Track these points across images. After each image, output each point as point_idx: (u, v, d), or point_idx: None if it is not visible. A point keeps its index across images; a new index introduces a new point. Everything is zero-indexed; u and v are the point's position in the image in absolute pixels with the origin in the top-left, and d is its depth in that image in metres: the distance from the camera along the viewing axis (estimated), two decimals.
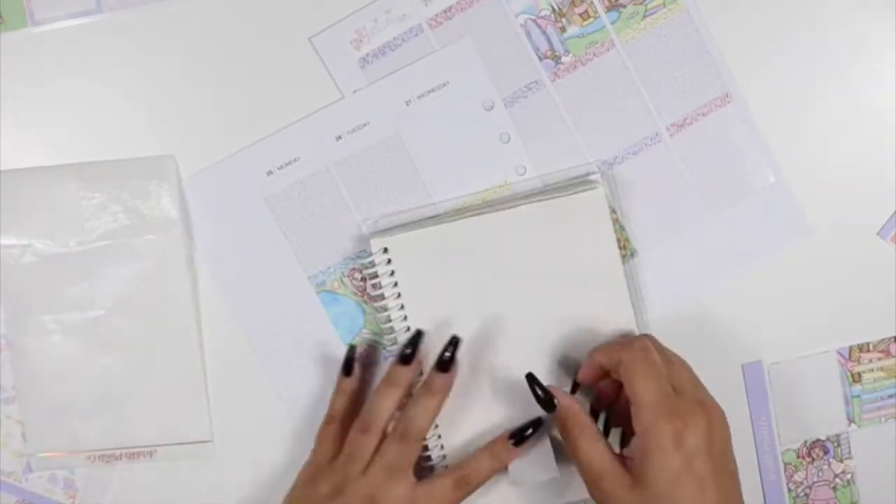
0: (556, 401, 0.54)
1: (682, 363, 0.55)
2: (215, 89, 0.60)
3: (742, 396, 0.61)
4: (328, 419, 0.59)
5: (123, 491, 0.62)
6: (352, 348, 0.60)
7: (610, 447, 0.53)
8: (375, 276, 0.59)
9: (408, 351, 0.56)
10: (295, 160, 0.60)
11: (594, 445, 0.52)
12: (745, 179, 0.60)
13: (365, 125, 0.60)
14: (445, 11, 0.59)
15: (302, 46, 0.59)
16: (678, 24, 0.59)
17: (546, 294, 0.59)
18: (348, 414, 0.58)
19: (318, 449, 0.58)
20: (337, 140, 0.60)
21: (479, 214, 0.59)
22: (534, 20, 0.59)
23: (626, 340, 0.55)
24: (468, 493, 0.56)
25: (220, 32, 0.60)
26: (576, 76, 0.60)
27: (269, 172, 0.61)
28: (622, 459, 0.52)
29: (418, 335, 0.57)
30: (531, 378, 0.55)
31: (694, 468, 0.49)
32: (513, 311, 0.59)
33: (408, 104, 0.60)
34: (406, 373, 0.57)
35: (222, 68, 0.60)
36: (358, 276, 0.61)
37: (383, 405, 0.56)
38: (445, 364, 0.56)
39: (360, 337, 0.61)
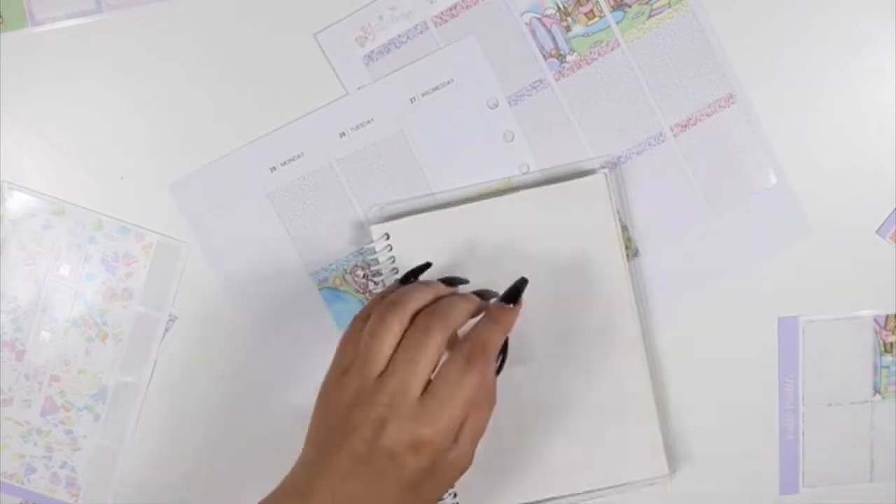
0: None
1: None
2: (218, 87, 0.59)
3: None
4: (358, 321, 0.53)
5: (126, 490, 0.63)
6: (427, 265, 0.57)
7: None
8: (377, 262, 0.59)
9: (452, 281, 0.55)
10: (298, 156, 0.60)
11: None
12: (748, 180, 0.60)
13: (369, 122, 0.60)
14: (451, 9, 0.59)
15: (306, 43, 0.59)
16: (683, 24, 0.59)
17: (546, 279, 0.59)
18: None
19: (346, 348, 0.52)
20: (341, 137, 0.60)
21: (480, 200, 0.59)
22: (539, 19, 0.59)
23: None
24: (485, 368, 0.50)
25: (222, 31, 0.59)
26: (580, 75, 0.59)
27: (273, 168, 0.60)
28: None
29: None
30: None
31: None
32: None
33: (412, 101, 0.60)
34: (442, 288, 0.54)
35: (224, 66, 0.59)
36: (360, 272, 0.61)
37: (416, 300, 0.51)
38: (513, 297, 0.53)
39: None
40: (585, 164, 0.60)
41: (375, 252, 0.59)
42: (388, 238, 0.59)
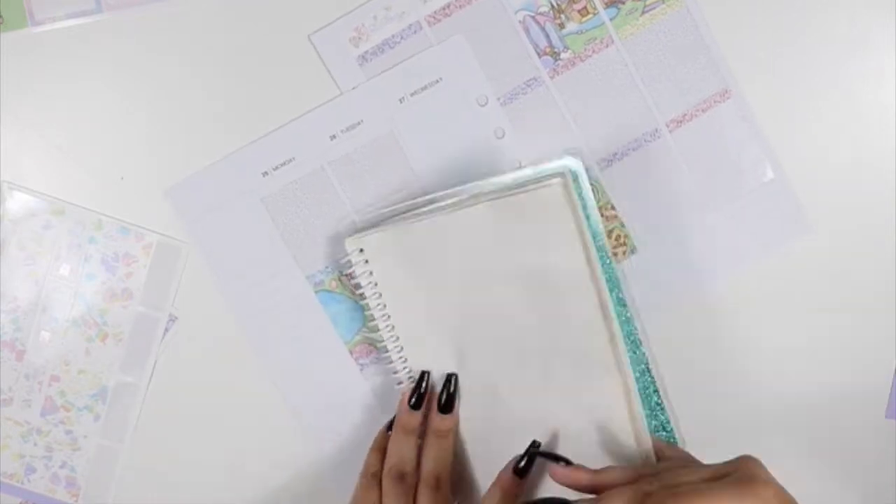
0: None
1: (688, 469, 0.50)
2: (215, 89, 0.60)
3: None
4: (367, 479, 0.58)
5: (126, 490, 0.63)
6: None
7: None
8: (353, 276, 0.58)
9: (415, 400, 0.57)
10: (290, 160, 0.60)
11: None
12: (745, 176, 0.60)
13: (359, 123, 0.60)
14: (444, 8, 0.59)
15: (301, 44, 0.59)
16: (677, 19, 0.59)
17: (514, 292, 0.57)
18: None
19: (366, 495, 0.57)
20: (331, 139, 0.60)
21: (445, 213, 0.57)
22: (532, 17, 0.59)
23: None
24: None
25: (220, 32, 0.60)
26: (575, 73, 0.60)
27: (265, 173, 0.60)
28: None
29: (422, 378, 0.58)
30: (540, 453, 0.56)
31: None
32: (484, 309, 0.57)
33: (401, 101, 0.60)
34: (416, 417, 0.57)
35: (222, 68, 0.60)
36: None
37: (407, 451, 0.57)
38: (447, 406, 0.57)
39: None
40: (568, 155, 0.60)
41: (352, 265, 0.58)
42: (362, 252, 0.58)
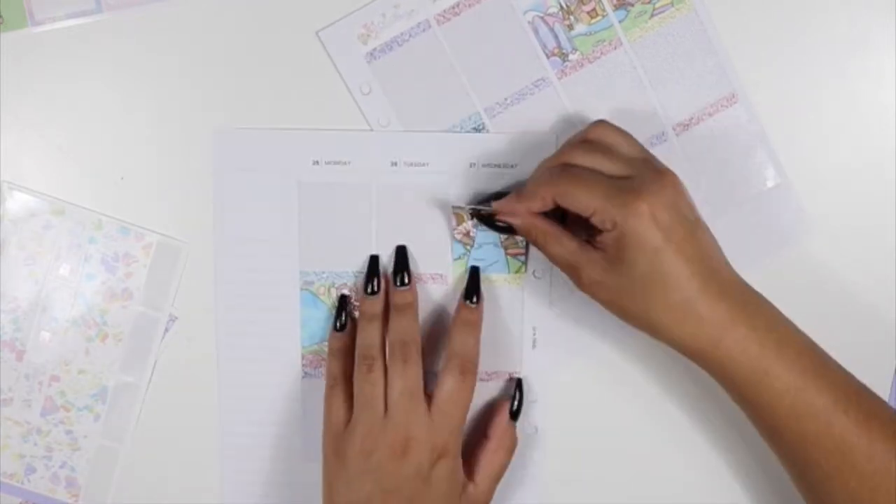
0: (512, 224, 0.55)
1: (621, 135, 0.54)
2: (219, 87, 0.59)
3: None
4: (331, 382, 0.58)
5: (126, 490, 0.62)
6: (343, 299, 0.60)
7: (578, 239, 0.53)
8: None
9: (371, 286, 0.58)
10: (346, 163, 0.60)
11: (560, 242, 0.53)
12: (749, 180, 0.60)
13: (424, 165, 0.60)
14: (453, 7, 0.58)
15: (308, 41, 0.58)
16: (686, 23, 0.59)
17: None
18: (349, 371, 0.57)
19: (330, 415, 0.57)
20: (392, 165, 0.60)
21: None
22: (541, 17, 0.59)
23: (543, 172, 0.54)
24: (475, 375, 0.56)
25: (222, 31, 0.59)
26: (583, 74, 0.59)
27: (316, 162, 0.60)
28: (594, 246, 0.52)
29: (374, 262, 0.59)
30: (481, 217, 0.58)
31: (672, 238, 0.49)
32: None
33: (471, 167, 0.60)
34: (377, 302, 0.58)
35: (225, 66, 0.59)
36: (346, 291, 0.60)
37: (372, 338, 0.57)
38: (402, 280, 0.58)
39: (348, 290, 0.61)
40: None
41: None
42: None
